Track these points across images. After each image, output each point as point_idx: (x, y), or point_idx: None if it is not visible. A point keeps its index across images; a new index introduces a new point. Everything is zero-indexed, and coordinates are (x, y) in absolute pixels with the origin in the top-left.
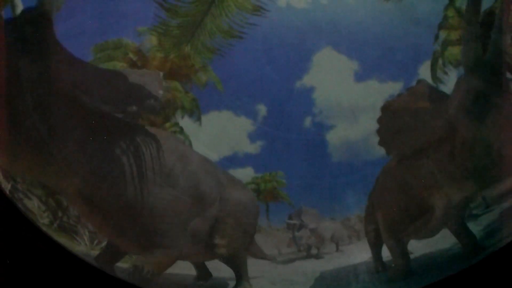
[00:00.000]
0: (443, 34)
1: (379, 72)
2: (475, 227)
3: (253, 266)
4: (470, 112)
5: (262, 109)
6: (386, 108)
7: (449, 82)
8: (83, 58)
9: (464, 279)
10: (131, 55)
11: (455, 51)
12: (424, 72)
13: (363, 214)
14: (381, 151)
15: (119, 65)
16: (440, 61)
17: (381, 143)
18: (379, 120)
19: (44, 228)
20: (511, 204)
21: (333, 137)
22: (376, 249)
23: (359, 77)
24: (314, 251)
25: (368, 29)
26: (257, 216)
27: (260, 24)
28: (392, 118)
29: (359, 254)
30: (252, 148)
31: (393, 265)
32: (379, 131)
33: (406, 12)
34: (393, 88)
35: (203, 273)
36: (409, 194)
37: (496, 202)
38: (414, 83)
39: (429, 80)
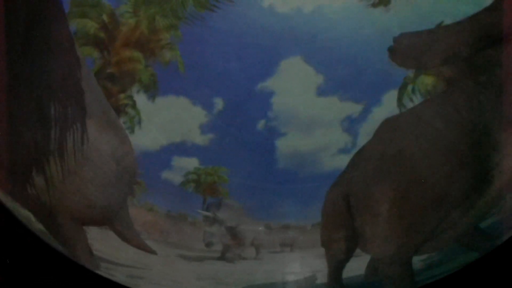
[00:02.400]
0: None
1: (342, 91)
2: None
3: (181, 260)
4: None
5: (219, 103)
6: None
7: None
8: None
9: (464, 279)
10: (104, 17)
11: (428, 80)
12: (389, 99)
13: (309, 224)
14: (329, 166)
15: (90, 24)
16: (409, 88)
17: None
18: (391, 56)
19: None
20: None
21: (283, 144)
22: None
23: (322, 91)
24: (235, 252)
25: (343, 48)
26: (119, 183)
27: (236, 3)
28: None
29: (291, 264)
30: (201, 139)
31: None
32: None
33: (386, 38)
34: (353, 108)
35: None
36: (455, 153)
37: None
38: (373, 108)
39: (393, 105)
